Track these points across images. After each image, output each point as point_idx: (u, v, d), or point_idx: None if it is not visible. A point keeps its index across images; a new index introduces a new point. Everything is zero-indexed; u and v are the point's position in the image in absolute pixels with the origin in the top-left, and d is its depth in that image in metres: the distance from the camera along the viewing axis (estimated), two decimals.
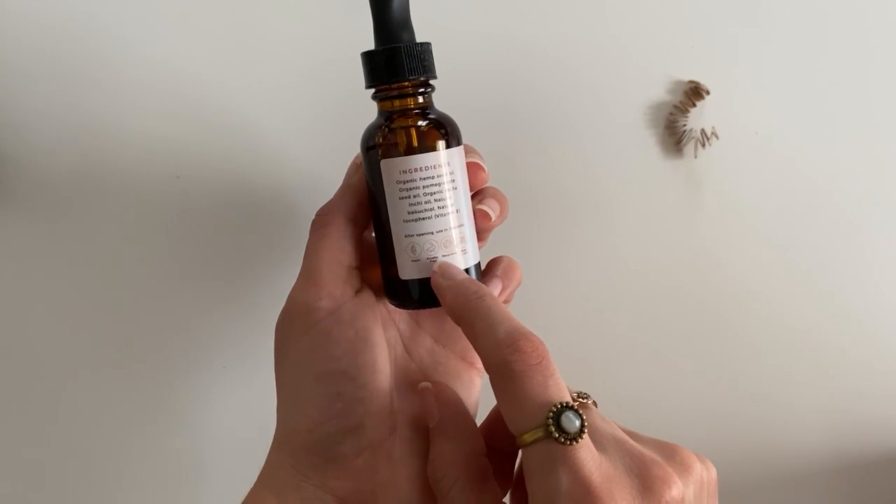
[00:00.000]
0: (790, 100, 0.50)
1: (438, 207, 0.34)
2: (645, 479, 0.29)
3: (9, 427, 0.48)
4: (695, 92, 0.49)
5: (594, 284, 0.51)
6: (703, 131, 0.50)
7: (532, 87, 0.49)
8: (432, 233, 0.34)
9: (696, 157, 0.50)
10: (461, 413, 0.35)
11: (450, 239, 0.35)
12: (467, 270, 0.35)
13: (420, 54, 0.34)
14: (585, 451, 0.28)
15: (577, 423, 0.28)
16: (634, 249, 0.51)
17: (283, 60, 0.47)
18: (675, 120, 0.50)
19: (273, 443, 0.36)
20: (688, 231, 0.50)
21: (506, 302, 0.38)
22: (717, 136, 0.50)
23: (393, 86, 0.35)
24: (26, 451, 0.48)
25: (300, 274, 0.36)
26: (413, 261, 0.35)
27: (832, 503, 0.54)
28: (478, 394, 0.39)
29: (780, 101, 0.50)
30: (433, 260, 0.34)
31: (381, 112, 0.36)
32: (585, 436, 0.28)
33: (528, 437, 0.29)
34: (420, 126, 0.35)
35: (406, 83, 0.35)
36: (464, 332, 0.32)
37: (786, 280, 0.51)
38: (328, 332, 0.34)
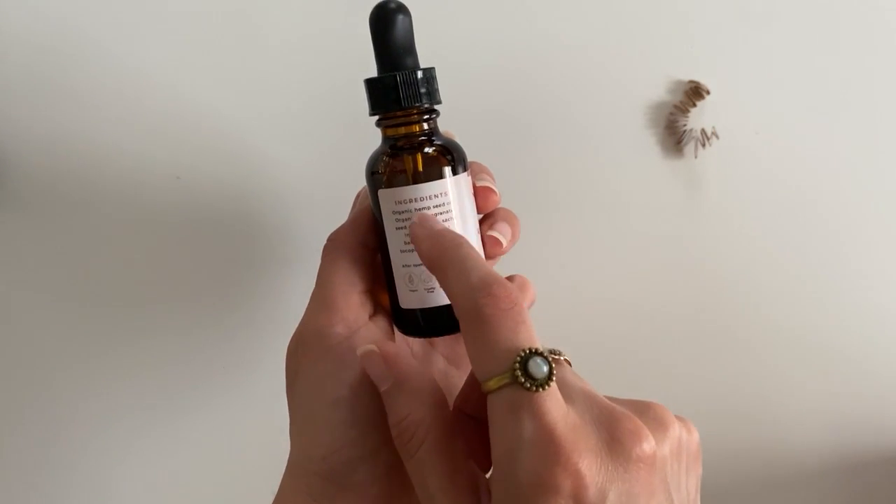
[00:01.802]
0: (790, 100, 0.49)
1: None
2: (613, 432, 0.27)
3: (7, 427, 0.48)
4: (695, 92, 0.49)
5: (594, 284, 0.51)
6: (703, 131, 0.50)
7: (532, 88, 0.48)
8: None
9: (696, 157, 0.50)
10: (415, 369, 0.32)
11: None
12: None
13: (425, 81, 0.34)
14: (552, 399, 0.27)
15: (545, 369, 0.27)
16: (634, 249, 0.51)
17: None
18: (675, 120, 0.49)
19: (286, 469, 0.36)
20: (688, 231, 0.51)
21: None
22: (717, 136, 0.50)
23: (398, 114, 0.34)
24: (24, 451, 0.48)
25: (313, 298, 0.36)
26: (411, 290, 0.34)
27: (832, 503, 0.55)
28: None
29: (780, 101, 0.49)
30: (430, 290, 0.34)
31: (385, 139, 0.35)
32: (553, 385, 0.27)
33: (493, 384, 0.27)
34: (427, 153, 0.34)
35: (411, 111, 0.34)
36: (438, 280, 0.32)
37: (786, 280, 0.52)
38: (343, 358, 0.34)
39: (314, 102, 0.47)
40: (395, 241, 0.34)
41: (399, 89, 0.33)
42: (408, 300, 0.35)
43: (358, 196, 0.40)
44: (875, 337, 0.53)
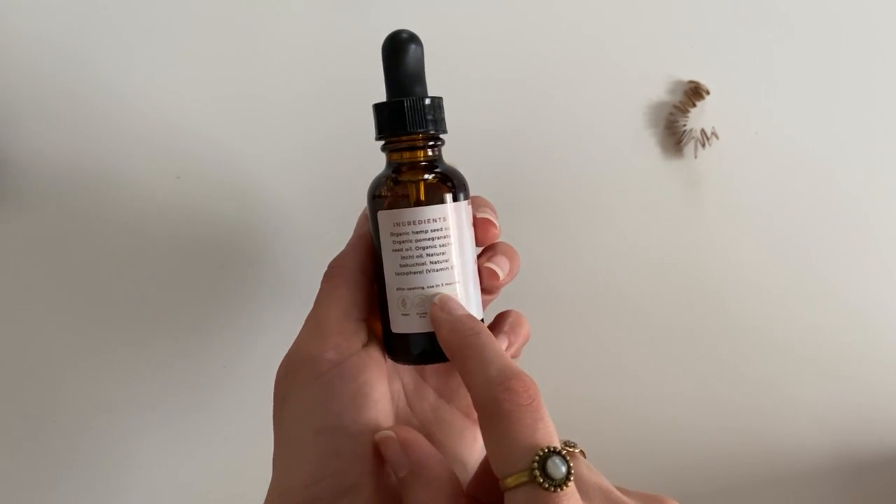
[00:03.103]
0: (790, 100, 0.49)
1: (431, 262, 0.33)
2: None
3: (6, 427, 0.48)
4: (695, 92, 0.49)
5: (594, 284, 0.51)
6: (703, 131, 0.50)
7: (532, 87, 0.48)
8: (423, 287, 0.34)
9: (696, 157, 0.50)
10: (433, 456, 0.32)
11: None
12: None
13: (432, 108, 0.34)
14: (570, 499, 0.27)
15: (564, 469, 0.27)
16: (634, 249, 0.51)
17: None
18: (675, 120, 0.49)
19: (267, 496, 0.35)
20: (688, 231, 0.51)
21: (513, 358, 0.37)
22: (717, 136, 0.50)
23: (403, 138, 0.34)
24: (22, 449, 0.48)
25: (307, 322, 0.36)
26: (403, 314, 0.34)
27: (832, 503, 0.56)
28: (480, 451, 0.37)
29: (780, 101, 0.49)
30: (423, 315, 0.34)
31: (389, 163, 0.35)
32: (571, 484, 0.27)
33: (511, 481, 0.28)
34: (427, 179, 0.34)
35: (416, 136, 0.34)
36: (457, 368, 0.32)
37: (786, 279, 0.52)
38: (332, 385, 0.33)
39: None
40: (391, 263, 0.34)
41: (406, 114, 0.34)
42: (399, 324, 0.35)
43: (359, 222, 0.39)
44: (875, 337, 0.53)
